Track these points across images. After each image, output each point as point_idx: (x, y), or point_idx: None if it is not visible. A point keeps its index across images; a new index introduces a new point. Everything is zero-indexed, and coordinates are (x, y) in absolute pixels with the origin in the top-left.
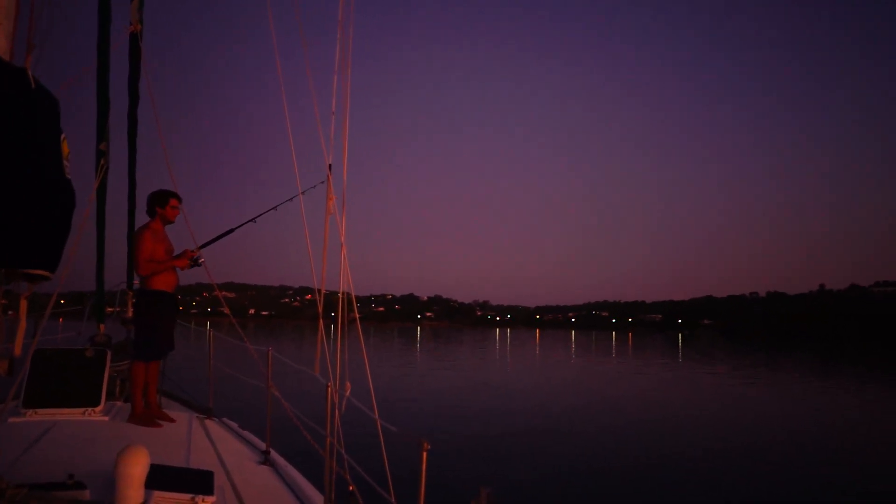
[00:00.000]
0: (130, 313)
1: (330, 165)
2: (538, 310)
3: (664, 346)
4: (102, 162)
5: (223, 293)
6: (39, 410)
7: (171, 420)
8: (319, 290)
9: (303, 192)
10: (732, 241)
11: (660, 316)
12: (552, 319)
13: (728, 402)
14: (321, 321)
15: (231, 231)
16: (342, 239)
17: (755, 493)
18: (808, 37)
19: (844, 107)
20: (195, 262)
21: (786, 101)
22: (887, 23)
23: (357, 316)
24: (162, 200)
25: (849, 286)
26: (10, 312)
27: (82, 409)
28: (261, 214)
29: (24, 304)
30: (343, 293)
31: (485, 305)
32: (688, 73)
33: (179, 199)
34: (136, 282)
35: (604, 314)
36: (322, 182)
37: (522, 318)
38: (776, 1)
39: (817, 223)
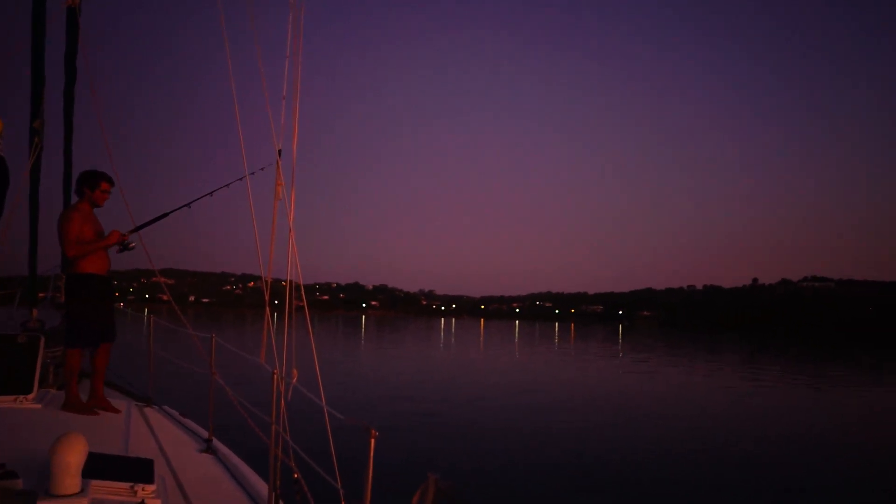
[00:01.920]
0: (63, 298)
1: (280, 150)
2: (483, 300)
3: (605, 336)
4: (36, 140)
5: (163, 279)
6: None
7: (116, 411)
8: (265, 279)
9: (250, 174)
10: (671, 236)
11: (601, 307)
12: (497, 309)
13: (663, 390)
14: (267, 308)
15: (165, 215)
16: (291, 224)
17: (686, 478)
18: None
19: (773, 101)
20: (125, 247)
21: (718, 94)
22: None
23: (305, 303)
24: (92, 182)
25: (780, 280)
26: None
27: (14, 397)
28: (196, 199)
29: None
30: (290, 281)
31: (430, 295)
32: (651, 61)
33: (112, 183)
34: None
35: (547, 305)
36: (267, 166)
37: (467, 308)
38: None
39: (751, 219)
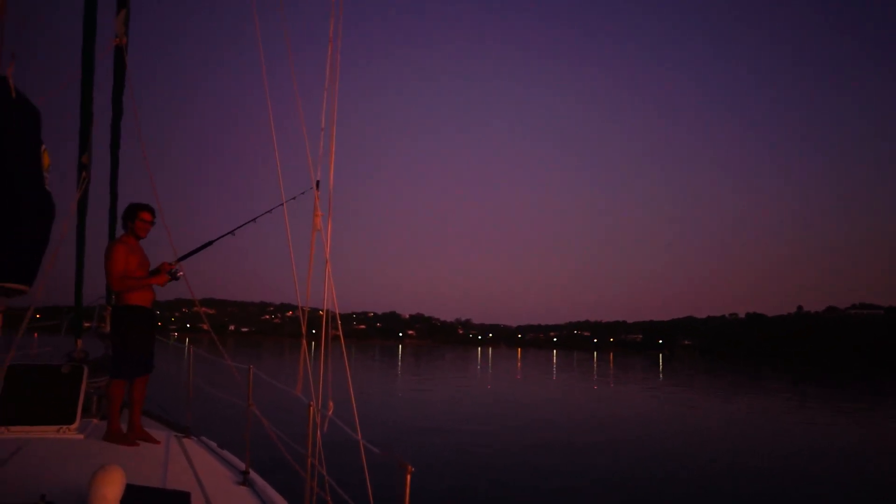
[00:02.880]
0: (108, 328)
1: (317, 182)
2: (520, 329)
3: (644, 367)
4: (84, 175)
5: (204, 309)
6: (12, 428)
7: (155, 441)
8: (303, 309)
9: (286, 201)
10: (713, 263)
11: (640, 336)
12: (534, 339)
13: (707, 423)
14: (304, 340)
15: (210, 243)
16: (327, 255)
17: None
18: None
19: (819, 135)
20: (173, 276)
21: (766, 122)
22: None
23: (341, 333)
24: (131, 214)
25: (826, 308)
26: None
27: (56, 427)
28: (240, 227)
29: None
30: (327, 310)
31: (467, 324)
32: (671, 94)
33: (153, 213)
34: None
35: (585, 334)
36: (306, 191)
37: (504, 337)
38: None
39: (796, 246)
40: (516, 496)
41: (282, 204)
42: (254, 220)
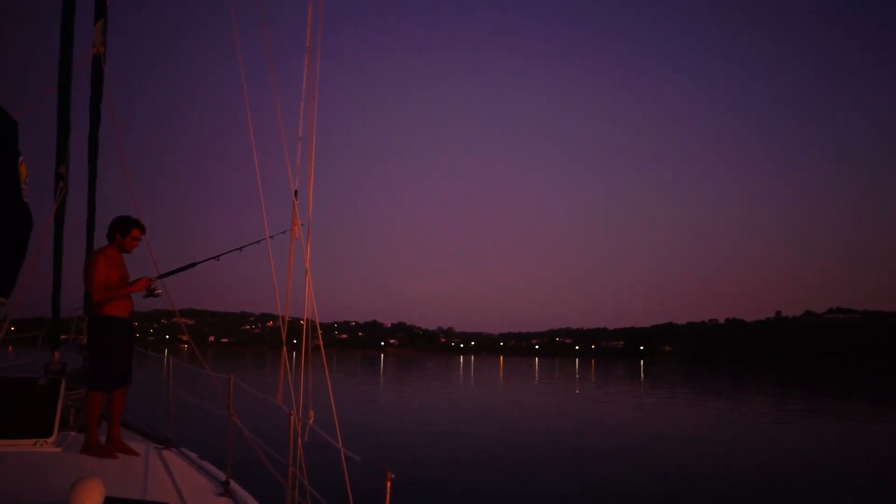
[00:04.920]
0: (85, 340)
1: (296, 191)
2: (502, 336)
3: (626, 373)
4: (61, 185)
5: (183, 320)
6: None
7: (135, 453)
8: (283, 318)
9: (271, 237)
10: (692, 269)
11: (622, 342)
12: (516, 346)
13: (687, 428)
14: (284, 348)
15: (193, 265)
16: (307, 265)
17: None
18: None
19: (799, 135)
20: (151, 293)
21: (745, 133)
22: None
23: (321, 343)
24: (123, 229)
25: (804, 313)
26: None
27: (34, 441)
28: (225, 253)
29: None
30: (307, 320)
31: (449, 332)
32: (654, 103)
33: (143, 230)
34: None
35: (567, 341)
36: (288, 230)
37: (486, 345)
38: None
39: (774, 251)
40: (496, 502)
41: (265, 238)
42: (240, 249)
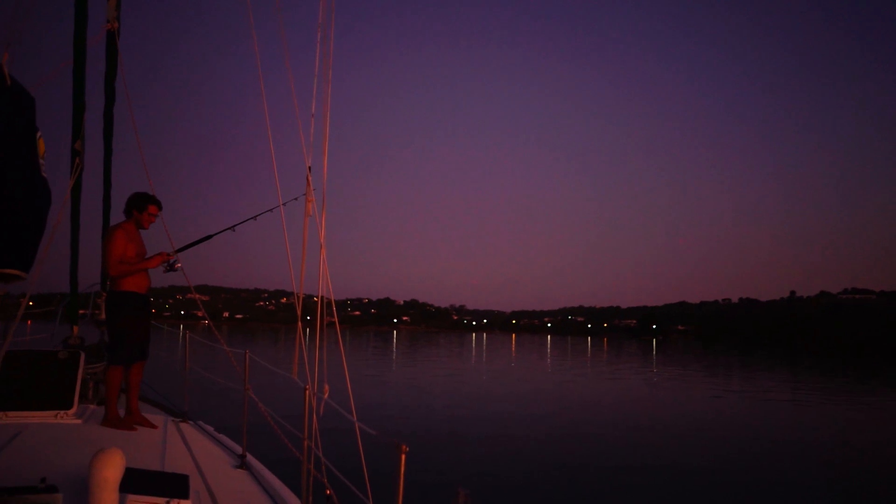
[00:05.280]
0: (103, 315)
1: (310, 167)
2: (514, 314)
3: (638, 352)
4: (77, 161)
5: (198, 296)
6: (10, 413)
7: (152, 426)
8: (297, 294)
9: (283, 204)
10: (706, 248)
11: (634, 321)
12: (528, 324)
13: (699, 408)
14: (300, 324)
15: (209, 237)
16: (322, 241)
17: (728, 496)
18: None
19: (813, 118)
20: (171, 267)
21: (759, 110)
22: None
23: (336, 319)
24: (140, 204)
25: (818, 293)
26: None
27: (54, 412)
28: (240, 223)
29: None
30: (322, 296)
31: (461, 310)
32: (665, 79)
33: (159, 207)
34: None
35: (579, 319)
36: (301, 195)
37: (498, 323)
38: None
39: (788, 230)
40: (510, 475)
41: (279, 206)
42: (254, 217)
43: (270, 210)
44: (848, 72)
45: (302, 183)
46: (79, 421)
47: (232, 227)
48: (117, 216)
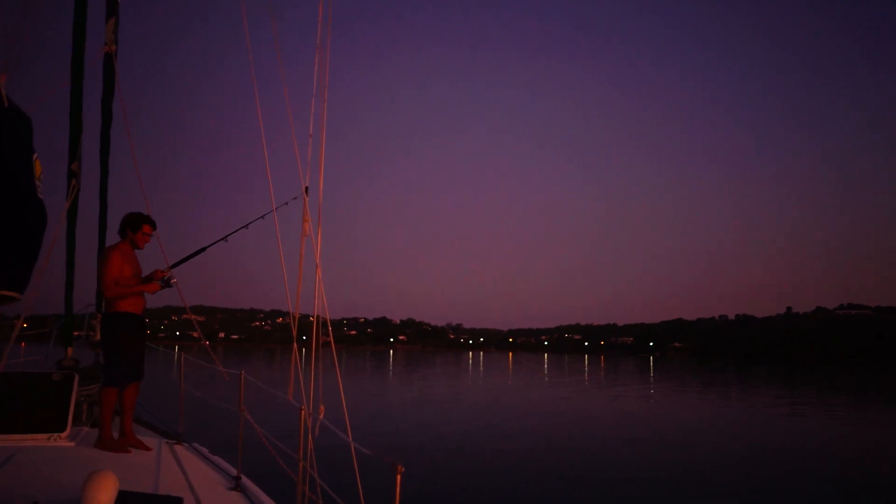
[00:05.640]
0: (98, 336)
1: (306, 188)
2: (511, 333)
3: (635, 370)
4: (74, 182)
5: (193, 316)
6: (4, 436)
7: (147, 448)
8: (293, 314)
9: (276, 208)
10: (702, 265)
11: (631, 339)
12: (525, 342)
13: (698, 425)
14: (295, 344)
15: (202, 250)
16: (318, 261)
17: None
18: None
19: (810, 133)
20: (166, 283)
21: (753, 127)
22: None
23: (332, 339)
24: (134, 225)
25: (815, 309)
26: None
27: (47, 435)
28: (232, 233)
29: None
30: (317, 316)
31: (458, 328)
32: (660, 96)
33: (153, 226)
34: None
35: (576, 337)
36: (295, 198)
37: (495, 341)
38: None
39: (784, 247)
40: (506, 494)
41: (272, 211)
42: (246, 226)
43: (262, 217)
44: (846, 84)
45: (293, 192)
46: (72, 443)
47: (224, 238)
48: (113, 237)
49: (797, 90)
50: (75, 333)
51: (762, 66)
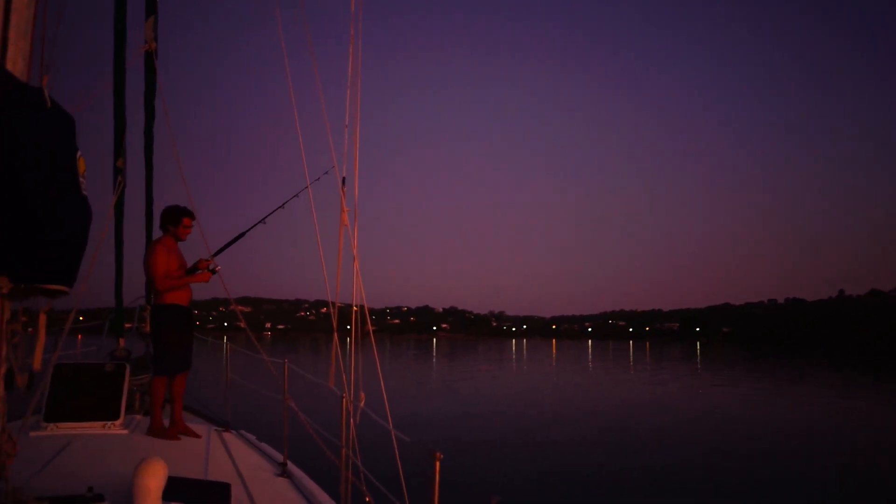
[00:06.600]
0: (148, 328)
1: (343, 178)
2: (554, 319)
3: (681, 356)
4: (119, 179)
5: (239, 307)
6: (60, 424)
7: (196, 435)
8: (333, 303)
9: (311, 183)
10: (749, 247)
11: (677, 324)
12: (568, 329)
13: (747, 417)
14: (335, 334)
15: (242, 235)
16: (355, 252)
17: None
18: (811, 46)
19: (859, 110)
20: (212, 271)
21: (796, 105)
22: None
23: (371, 328)
24: (175, 219)
25: (869, 291)
26: (29, 329)
27: (102, 423)
28: (269, 214)
29: (42, 319)
30: (357, 306)
31: (500, 316)
32: (693, 79)
33: (193, 217)
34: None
35: (620, 323)
36: (326, 172)
37: (538, 329)
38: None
39: (836, 227)
40: (545, 484)
41: (307, 187)
42: (282, 206)
43: (296, 195)
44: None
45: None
46: (125, 431)
47: (263, 220)
48: (159, 231)
49: (841, 58)
50: (127, 325)
51: (803, 41)
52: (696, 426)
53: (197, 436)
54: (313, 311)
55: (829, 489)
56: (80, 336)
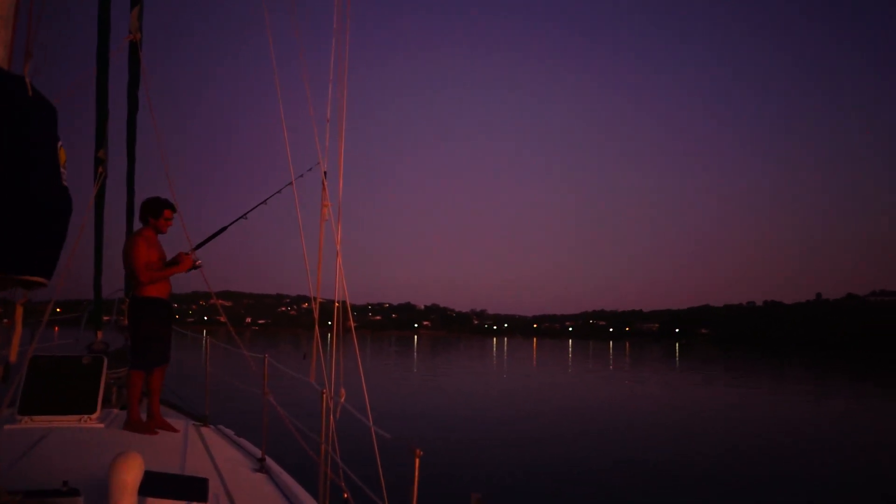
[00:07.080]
0: (126, 321)
1: (325, 172)
2: (535, 319)
3: (661, 356)
4: (101, 169)
5: (220, 301)
6: (35, 417)
7: (174, 430)
8: (315, 298)
9: (295, 179)
10: (729, 250)
11: (657, 325)
12: (549, 328)
13: (725, 415)
14: (316, 329)
15: (223, 229)
16: (338, 247)
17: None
18: (802, 49)
19: (839, 116)
20: (193, 265)
21: (779, 111)
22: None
23: (353, 324)
24: (155, 211)
25: (845, 295)
26: (5, 320)
27: (78, 417)
28: (252, 209)
29: (19, 311)
30: (339, 301)
31: (482, 314)
32: (680, 81)
33: (174, 210)
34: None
35: (601, 323)
36: (310, 169)
37: (520, 327)
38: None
39: (814, 232)
40: (524, 480)
41: (290, 183)
42: (264, 201)
43: (279, 191)
44: (870, 69)
45: (315, 177)
46: (101, 425)
47: (244, 216)
48: (140, 223)
49: (833, 71)
50: (105, 318)
51: (797, 42)
52: (673, 423)
53: (174, 430)
54: (294, 307)
55: (803, 485)
56: (56, 328)
